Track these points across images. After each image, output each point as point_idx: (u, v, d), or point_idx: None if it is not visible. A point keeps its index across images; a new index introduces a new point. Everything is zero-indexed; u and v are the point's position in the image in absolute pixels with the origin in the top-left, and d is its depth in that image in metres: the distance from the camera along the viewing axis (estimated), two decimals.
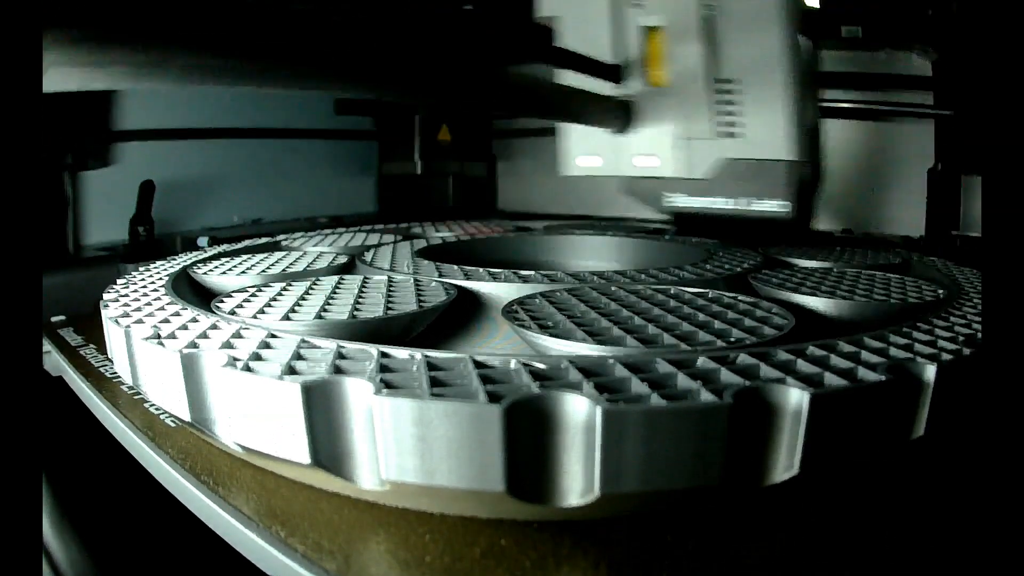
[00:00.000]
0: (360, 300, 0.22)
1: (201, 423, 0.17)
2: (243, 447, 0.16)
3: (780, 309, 0.21)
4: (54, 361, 0.28)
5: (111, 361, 0.22)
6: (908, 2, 0.53)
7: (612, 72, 0.41)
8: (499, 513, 0.14)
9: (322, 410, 0.14)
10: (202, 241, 0.56)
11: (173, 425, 0.20)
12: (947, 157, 0.54)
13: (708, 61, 0.38)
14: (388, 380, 0.14)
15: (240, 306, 0.22)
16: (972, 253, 0.48)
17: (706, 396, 0.13)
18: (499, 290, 0.25)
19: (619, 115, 0.40)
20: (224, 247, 0.38)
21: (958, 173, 0.53)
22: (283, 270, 0.29)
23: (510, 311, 0.21)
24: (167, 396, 0.17)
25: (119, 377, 0.24)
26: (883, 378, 0.15)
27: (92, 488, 0.23)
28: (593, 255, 0.43)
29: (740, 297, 0.23)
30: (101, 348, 0.28)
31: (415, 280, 0.26)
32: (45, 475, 0.24)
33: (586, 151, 0.43)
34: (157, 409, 0.21)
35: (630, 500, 0.13)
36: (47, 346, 0.29)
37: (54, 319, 0.34)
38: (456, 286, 0.24)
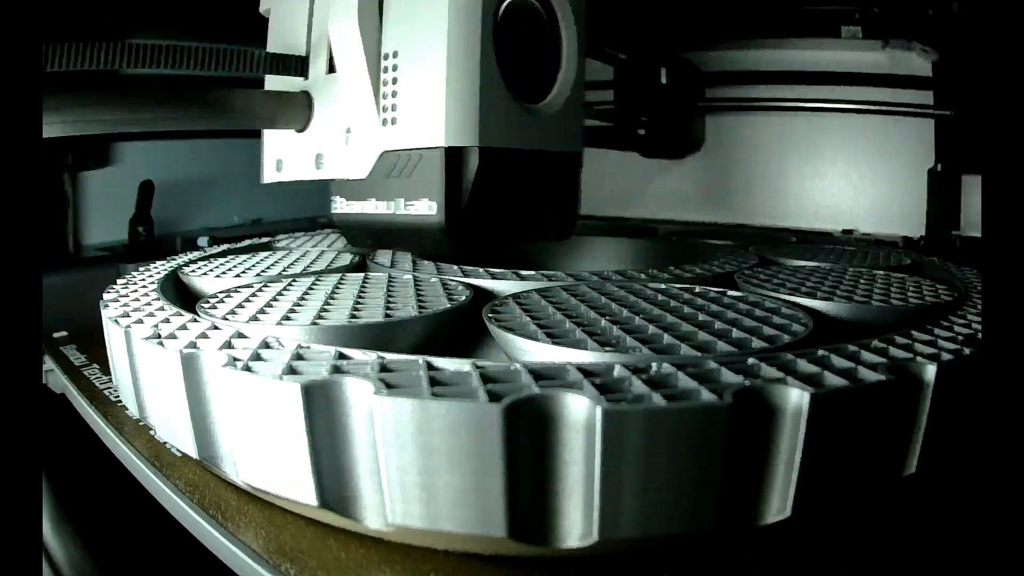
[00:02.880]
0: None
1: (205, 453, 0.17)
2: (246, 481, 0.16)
3: (790, 310, 0.21)
4: (57, 379, 0.28)
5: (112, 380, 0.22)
6: (908, 2, 0.53)
7: (301, 65, 0.33)
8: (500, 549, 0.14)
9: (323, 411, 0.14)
10: (202, 241, 0.56)
11: (179, 454, 0.20)
12: (947, 157, 0.54)
13: (369, 33, 0.29)
14: (388, 380, 0.14)
15: (240, 307, 0.22)
16: (972, 253, 0.48)
17: (706, 396, 0.13)
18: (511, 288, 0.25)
19: (301, 110, 0.33)
20: (226, 246, 0.38)
21: (958, 173, 0.53)
22: (282, 270, 0.29)
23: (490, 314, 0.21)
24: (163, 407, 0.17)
25: (122, 401, 0.24)
26: (883, 378, 0.15)
27: (93, 494, 0.23)
28: (593, 255, 0.43)
29: (729, 293, 0.23)
30: (104, 368, 0.28)
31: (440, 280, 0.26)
32: (48, 481, 0.24)
33: (280, 155, 0.35)
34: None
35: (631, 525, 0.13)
36: (50, 364, 0.29)
37: (56, 335, 0.33)
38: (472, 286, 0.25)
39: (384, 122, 0.30)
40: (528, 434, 0.13)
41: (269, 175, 0.36)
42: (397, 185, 0.29)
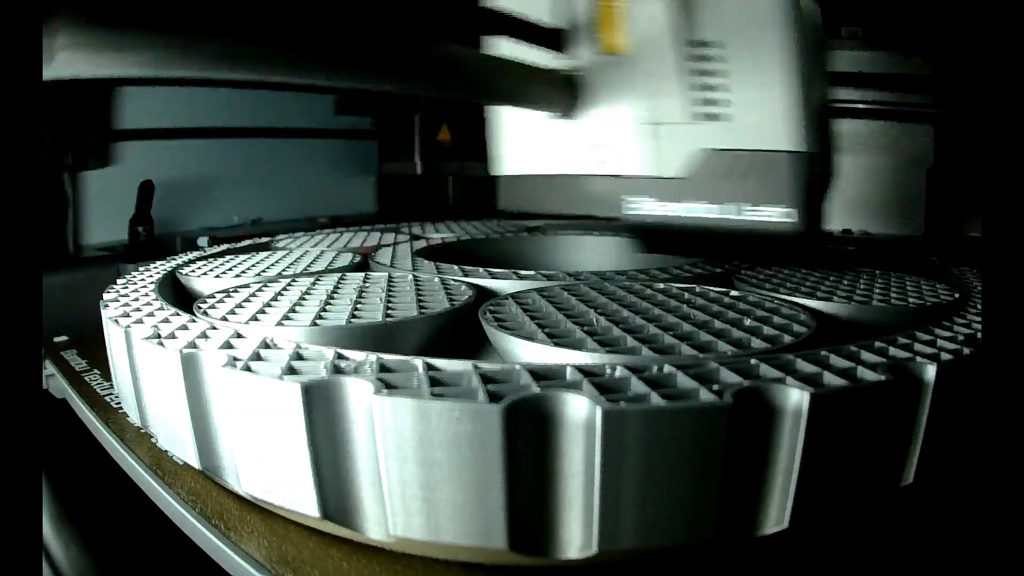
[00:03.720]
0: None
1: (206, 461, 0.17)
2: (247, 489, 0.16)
3: (791, 310, 0.21)
4: (58, 384, 0.28)
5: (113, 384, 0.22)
6: (908, 2, 0.53)
7: (552, 37, 0.29)
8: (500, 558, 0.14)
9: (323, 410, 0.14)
10: (202, 241, 0.56)
11: (181, 462, 0.20)
12: (947, 157, 0.54)
13: (679, 17, 0.27)
14: (387, 380, 0.14)
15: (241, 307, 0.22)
16: (972, 253, 0.48)
17: (706, 396, 0.13)
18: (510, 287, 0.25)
19: (562, 93, 0.29)
20: (226, 246, 0.38)
21: (958, 173, 0.53)
22: (282, 271, 0.29)
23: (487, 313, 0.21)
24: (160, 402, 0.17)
25: (124, 408, 0.24)
26: (883, 378, 0.15)
27: (95, 497, 0.23)
28: (596, 255, 0.43)
29: (731, 293, 0.23)
30: (105, 373, 0.28)
31: (441, 280, 0.26)
32: (49, 483, 0.24)
33: (523, 143, 0.32)
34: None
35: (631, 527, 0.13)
36: (51, 369, 0.29)
37: (56, 339, 0.33)
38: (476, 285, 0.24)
39: (699, 117, 0.27)
40: (528, 434, 0.13)
41: (508, 165, 0.33)
42: (730, 187, 0.27)
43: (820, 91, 0.28)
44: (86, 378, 0.28)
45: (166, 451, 0.20)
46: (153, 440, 0.20)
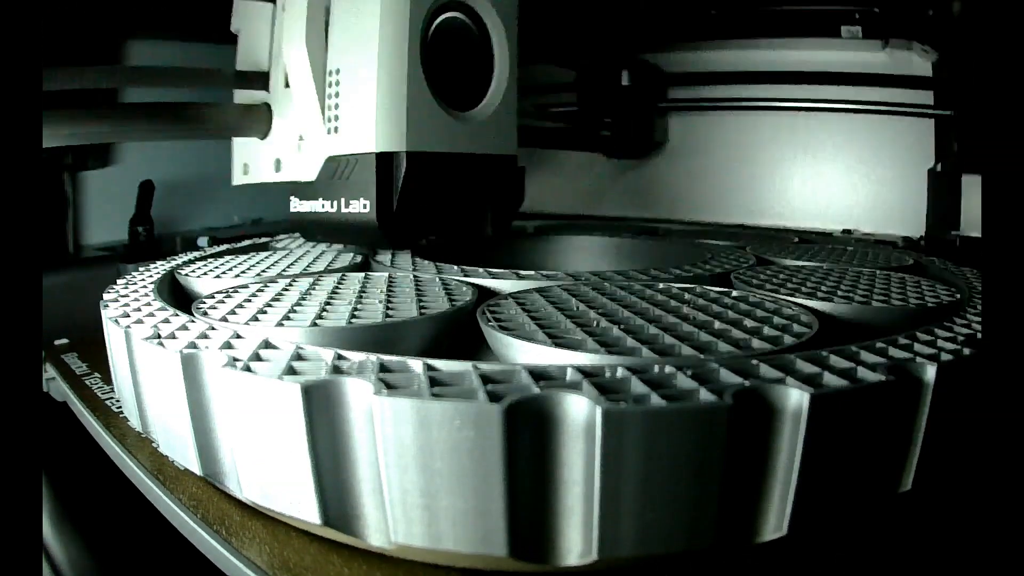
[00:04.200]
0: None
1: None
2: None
3: (791, 311, 0.21)
4: (59, 388, 0.28)
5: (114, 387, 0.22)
6: (908, 2, 0.53)
7: (261, 80, 0.38)
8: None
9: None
10: (202, 241, 0.56)
11: (182, 468, 0.20)
12: (947, 157, 0.54)
13: (316, 52, 0.34)
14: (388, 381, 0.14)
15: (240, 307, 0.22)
16: (972, 253, 0.48)
17: (706, 396, 0.13)
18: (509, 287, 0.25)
19: (261, 120, 0.37)
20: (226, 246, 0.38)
21: (958, 173, 0.53)
22: (282, 271, 0.29)
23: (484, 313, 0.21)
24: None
25: (124, 413, 0.24)
26: (883, 378, 0.15)
27: (96, 499, 0.23)
28: (596, 255, 0.43)
29: (732, 294, 0.23)
30: (106, 377, 0.28)
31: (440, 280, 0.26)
32: (50, 485, 0.24)
33: (247, 160, 0.40)
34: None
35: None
36: (51, 372, 0.29)
37: (57, 342, 0.33)
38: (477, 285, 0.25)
39: (329, 131, 0.34)
40: (528, 434, 0.13)
41: (237, 178, 0.42)
42: (339, 186, 0.33)
43: (424, 100, 0.33)
44: (87, 382, 0.28)
45: (167, 456, 0.20)
46: (154, 445, 0.20)
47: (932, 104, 0.55)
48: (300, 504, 0.15)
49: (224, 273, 0.28)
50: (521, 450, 0.13)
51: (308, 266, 0.30)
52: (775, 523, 0.14)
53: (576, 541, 0.13)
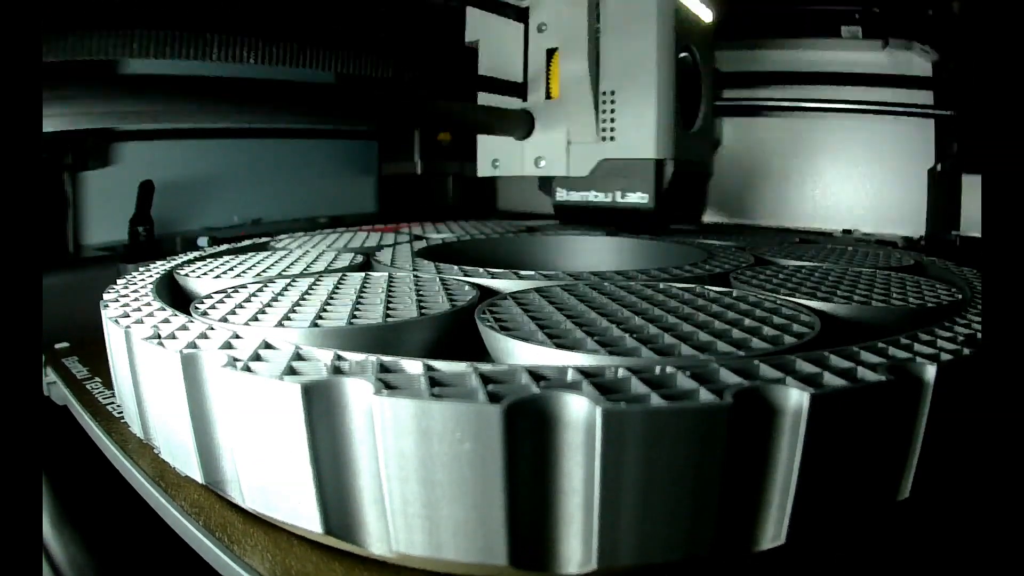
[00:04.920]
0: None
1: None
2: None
3: (791, 311, 0.21)
4: (60, 392, 0.28)
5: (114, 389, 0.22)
6: (908, 2, 0.53)
7: (518, 90, 0.49)
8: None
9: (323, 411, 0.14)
10: (202, 241, 0.56)
11: (184, 474, 0.20)
12: (947, 157, 0.54)
13: (593, 75, 0.45)
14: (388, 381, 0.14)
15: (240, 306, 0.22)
16: (972, 253, 0.48)
17: (706, 396, 0.13)
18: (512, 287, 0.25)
19: (523, 125, 0.48)
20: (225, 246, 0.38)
21: (958, 173, 0.53)
22: (281, 271, 0.29)
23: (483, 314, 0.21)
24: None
25: (126, 419, 0.24)
26: (883, 378, 0.15)
27: (97, 501, 0.23)
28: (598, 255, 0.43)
29: (733, 294, 0.23)
30: (107, 382, 0.27)
31: (441, 280, 0.26)
32: (51, 486, 0.24)
33: (495, 155, 0.51)
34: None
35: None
36: (52, 376, 0.29)
37: (58, 346, 0.33)
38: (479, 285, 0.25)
39: (603, 138, 0.46)
40: (528, 435, 0.13)
41: (485, 171, 0.52)
42: (615, 182, 0.46)
43: (694, 118, 0.48)
44: (88, 386, 0.28)
45: (168, 464, 0.20)
46: (156, 451, 0.20)
47: (932, 104, 0.55)
48: (302, 513, 0.15)
49: (224, 273, 0.28)
50: (521, 450, 0.13)
51: (308, 266, 0.30)
52: (774, 531, 0.14)
53: (576, 550, 0.13)
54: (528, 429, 0.13)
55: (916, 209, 0.56)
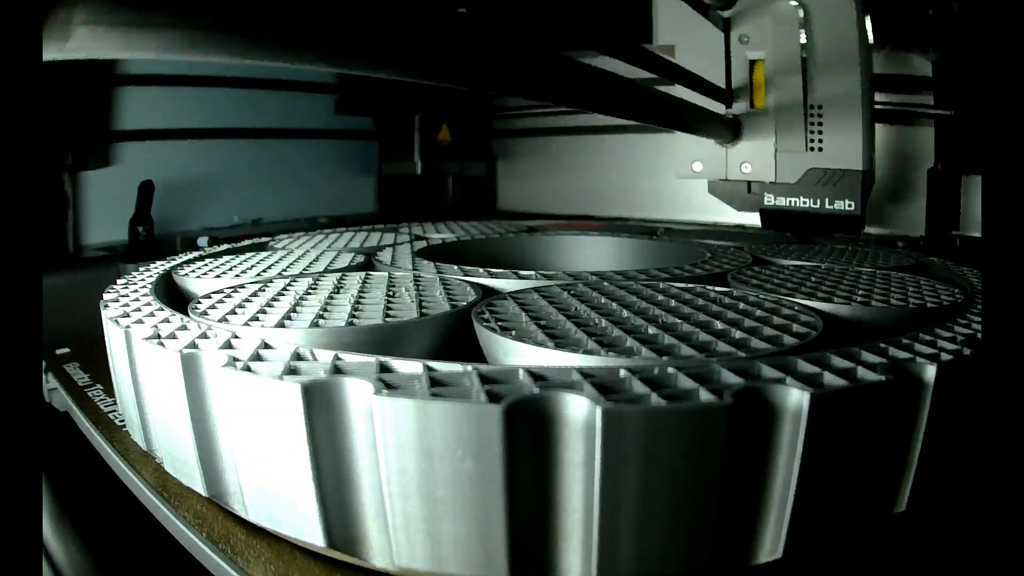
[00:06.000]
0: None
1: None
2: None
3: (791, 311, 0.21)
4: (61, 399, 0.28)
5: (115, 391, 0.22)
6: (908, 2, 0.53)
7: (725, 95, 0.51)
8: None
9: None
10: (202, 241, 0.56)
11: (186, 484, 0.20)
12: (947, 157, 0.54)
13: (804, 90, 0.48)
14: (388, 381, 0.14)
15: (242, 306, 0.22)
16: (972, 253, 0.48)
17: (706, 396, 0.13)
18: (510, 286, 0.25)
19: (729, 130, 0.50)
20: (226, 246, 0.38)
21: (958, 173, 0.53)
22: (281, 272, 0.29)
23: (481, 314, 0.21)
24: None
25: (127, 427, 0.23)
26: (883, 378, 0.15)
27: (97, 502, 0.23)
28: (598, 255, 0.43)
29: (734, 293, 0.23)
30: (108, 389, 0.27)
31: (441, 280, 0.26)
32: (52, 491, 0.24)
33: (696, 158, 0.54)
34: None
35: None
36: (53, 383, 0.29)
37: (59, 351, 0.33)
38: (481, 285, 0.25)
39: (810, 148, 0.49)
40: (528, 436, 0.13)
41: (685, 173, 0.55)
42: (823, 190, 0.49)
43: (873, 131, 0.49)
44: (89, 393, 0.28)
45: (171, 475, 0.20)
46: (159, 461, 0.20)
47: (932, 104, 0.55)
48: (304, 525, 0.15)
49: (224, 273, 0.28)
50: (521, 451, 0.13)
51: (308, 266, 0.30)
52: (771, 543, 0.14)
53: (576, 564, 0.13)
54: (528, 429, 0.13)
55: (916, 209, 0.56)
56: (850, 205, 0.48)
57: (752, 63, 0.51)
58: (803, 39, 0.48)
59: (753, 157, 0.51)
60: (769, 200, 0.51)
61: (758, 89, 0.51)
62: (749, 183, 0.53)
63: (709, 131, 0.49)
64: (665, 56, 0.44)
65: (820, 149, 0.49)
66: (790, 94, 0.49)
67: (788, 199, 0.50)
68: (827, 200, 0.48)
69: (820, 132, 0.49)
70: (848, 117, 0.47)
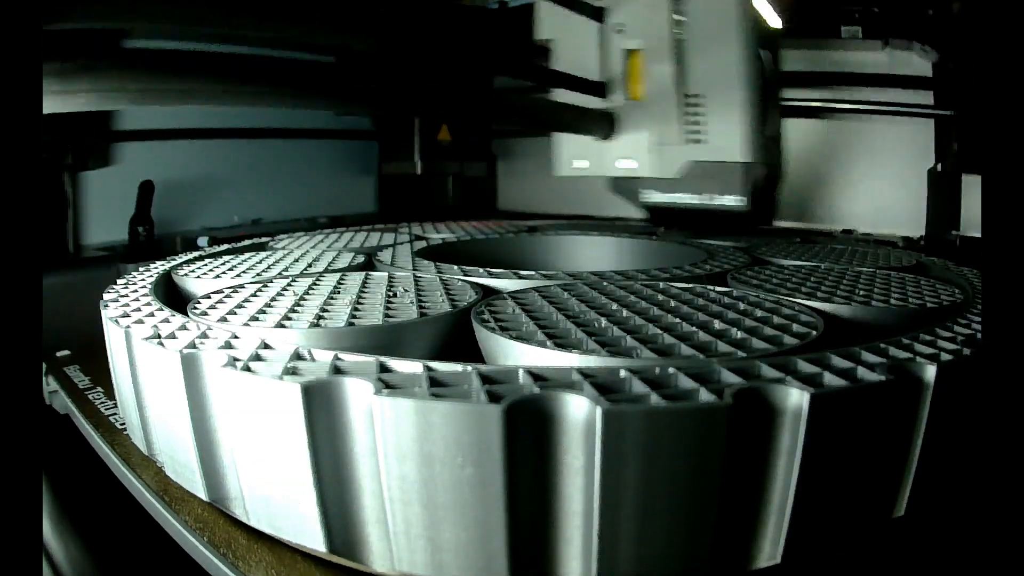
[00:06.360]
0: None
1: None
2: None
3: (791, 311, 0.21)
4: (62, 401, 0.28)
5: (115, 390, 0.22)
6: (908, 2, 0.53)
7: (599, 88, 0.47)
8: None
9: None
10: (202, 241, 0.56)
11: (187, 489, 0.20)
12: (947, 157, 0.54)
13: (678, 79, 0.45)
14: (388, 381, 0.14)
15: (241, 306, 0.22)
16: (972, 253, 0.48)
17: (705, 396, 0.13)
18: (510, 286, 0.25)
19: (604, 125, 0.47)
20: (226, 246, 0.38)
21: (958, 173, 0.53)
22: (281, 272, 0.29)
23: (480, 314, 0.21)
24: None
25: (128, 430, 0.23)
26: (883, 378, 0.14)
27: (97, 503, 0.23)
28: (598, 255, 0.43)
29: (733, 293, 0.23)
30: (109, 392, 0.27)
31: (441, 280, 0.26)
32: (53, 493, 0.24)
33: (576, 155, 0.50)
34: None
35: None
36: (54, 385, 0.29)
37: (59, 354, 0.33)
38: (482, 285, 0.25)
39: (688, 140, 0.45)
40: (528, 436, 0.13)
41: (563, 170, 0.51)
42: (705, 184, 0.45)
43: (770, 122, 0.46)
44: (90, 396, 0.28)
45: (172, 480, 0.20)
46: (160, 465, 0.20)
47: (932, 104, 0.55)
48: (305, 531, 0.15)
49: (224, 273, 0.28)
50: (521, 450, 0.13)
51: (308, 266, 0.30)
52: (770, 547, 0.14)
53: (576, 567, 0.13)
54: (528, 429, 0.13)
55: (916, 209, 0.56)
56: (740, 200, 0.44)
57: (629, 53, 0.47)
58: (679, 22, 0.44)
59: (631, 152, 0.47)
60: (649, 195, 0.48)
61: (635, 80, 0.47)
62: (634, 180, 0.49)
63: (583, 127, 0.46)
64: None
65: (700, 142, 0.45)
66: (662, 83, 0.45)
67: (669, 195, 0.47)
68: (711, 194, 0.45)
69: (699, 124, 0.45)
70: (728, 105, 0.43)
